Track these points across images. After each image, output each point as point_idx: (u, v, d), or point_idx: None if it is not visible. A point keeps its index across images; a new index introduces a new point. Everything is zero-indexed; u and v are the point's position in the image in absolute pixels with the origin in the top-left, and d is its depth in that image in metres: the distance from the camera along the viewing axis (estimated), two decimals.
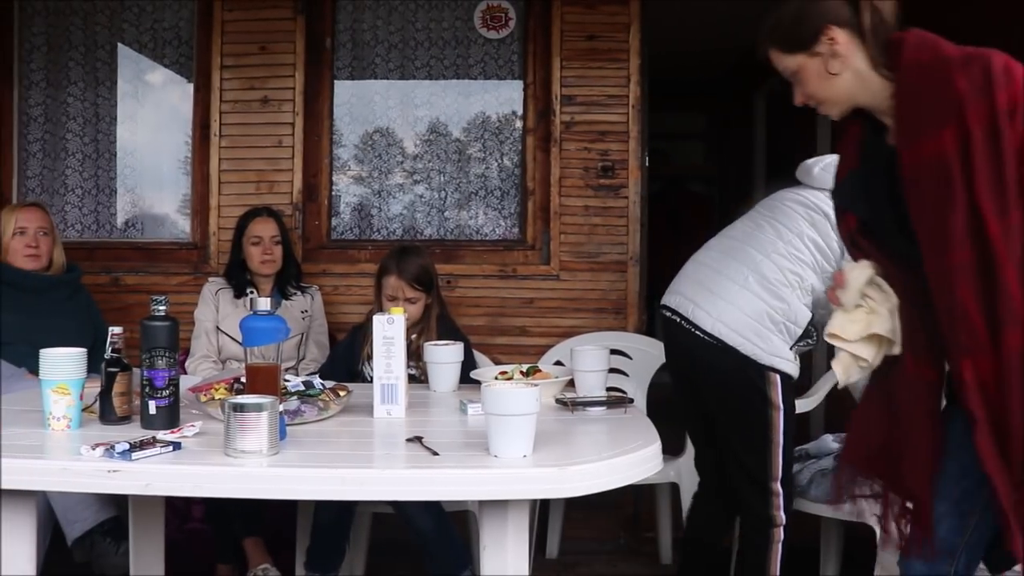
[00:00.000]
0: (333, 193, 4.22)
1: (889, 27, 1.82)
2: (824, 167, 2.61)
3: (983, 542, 1.88)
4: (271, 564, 2.99)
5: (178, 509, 3.17)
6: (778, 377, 2.55)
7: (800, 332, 2.57)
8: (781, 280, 2.54)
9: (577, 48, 4.03)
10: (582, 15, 4.03)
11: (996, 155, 1.63)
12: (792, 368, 2.57)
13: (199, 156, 4.15)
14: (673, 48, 5.19)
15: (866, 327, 1.87)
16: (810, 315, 2.57)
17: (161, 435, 1.84)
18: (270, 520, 3.06)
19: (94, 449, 1.74)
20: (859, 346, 1.88)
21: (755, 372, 2.54)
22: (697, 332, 2.57)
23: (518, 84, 4.17)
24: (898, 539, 1.92)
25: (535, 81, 4.10)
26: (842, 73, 1.83)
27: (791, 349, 2.56)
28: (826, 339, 1.97)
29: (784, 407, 2.56)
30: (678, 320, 2.62)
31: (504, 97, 4.21)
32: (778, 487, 2.58)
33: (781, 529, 2.59)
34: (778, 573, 2.59)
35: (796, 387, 2.63)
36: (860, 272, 1.88)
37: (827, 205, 2.49)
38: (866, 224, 1.89)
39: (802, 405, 3.01)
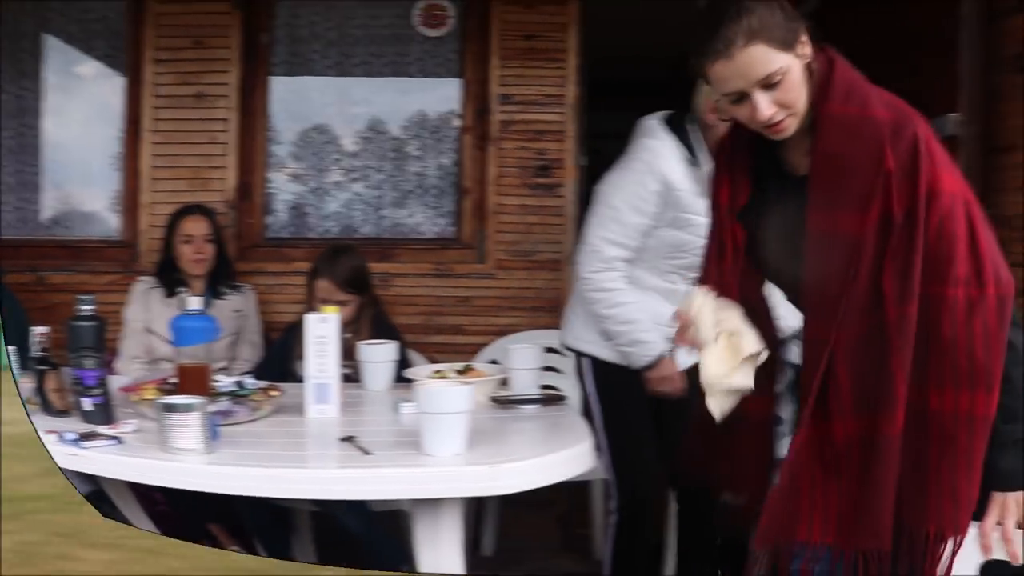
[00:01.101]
0: (268, 191, 4.18)
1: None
2: None
3: None
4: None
5: (142, 495, 3.12)
6: (588, 362, 2.68)
7: None
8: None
9: (515, 47, 4.04)
10: (520, 14, 4.04)
11: (910, 242, 1.55)
12: (601, 351, 2.64)
13: (130, 152, 4.06)
14: (615, 51, 5.22)
15: (736, 353, 1.63)
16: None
17: (102, 430, 1.88)
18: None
19: (48, 435, 1.81)
20: (738, 376, 1.64)
21: (576, 359, 2.74)
22: None
23: (456, 82, 4.16)
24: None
25: (473, 80, 4.10)
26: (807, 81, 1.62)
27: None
28: (706, 388, 1.66)
29: (599, 394, 2.67)
30: None
31: (442, 95, 4.20)
32: (611, 474, 2.69)
33: (616, 513, 2.69)
34: (609, 557, 2.71)
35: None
36: (705, 302, 1.66)
37: None
38: (753, 239, 1.74)
39: None
